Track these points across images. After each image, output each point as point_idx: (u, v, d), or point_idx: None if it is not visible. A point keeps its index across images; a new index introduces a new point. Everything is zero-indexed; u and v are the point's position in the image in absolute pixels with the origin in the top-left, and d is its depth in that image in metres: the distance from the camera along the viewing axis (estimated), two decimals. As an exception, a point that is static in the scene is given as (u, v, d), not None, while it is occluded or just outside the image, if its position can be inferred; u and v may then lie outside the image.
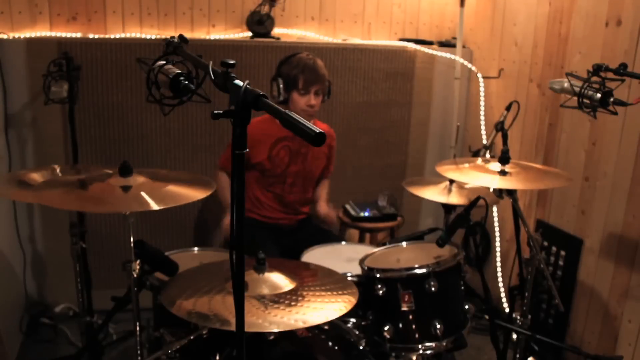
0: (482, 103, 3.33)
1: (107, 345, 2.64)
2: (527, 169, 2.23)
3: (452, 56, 3.36)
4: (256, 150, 2.52)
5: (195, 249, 2.30)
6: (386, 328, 1.90)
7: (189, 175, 2.02)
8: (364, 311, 1.97)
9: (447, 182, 2.46)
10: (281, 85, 2.47)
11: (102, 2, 2.98)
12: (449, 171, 2.19)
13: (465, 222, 1.89)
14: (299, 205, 2.69)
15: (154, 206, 1.66)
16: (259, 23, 3.10)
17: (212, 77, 1.15)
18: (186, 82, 1.31)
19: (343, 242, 2.49)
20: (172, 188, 1.80)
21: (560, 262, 2.70)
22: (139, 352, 1.85)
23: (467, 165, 2.28)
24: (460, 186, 2.45)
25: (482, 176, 2.13)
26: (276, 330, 1.49)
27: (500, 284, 3.15)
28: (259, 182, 2.62)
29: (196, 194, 1.76)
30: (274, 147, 2.56)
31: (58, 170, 2.26)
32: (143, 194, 1.72)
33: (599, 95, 1.79)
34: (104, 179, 1.80)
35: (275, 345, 1.69)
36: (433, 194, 2.43)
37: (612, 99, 1.78)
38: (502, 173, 2.12)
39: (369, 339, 1.92)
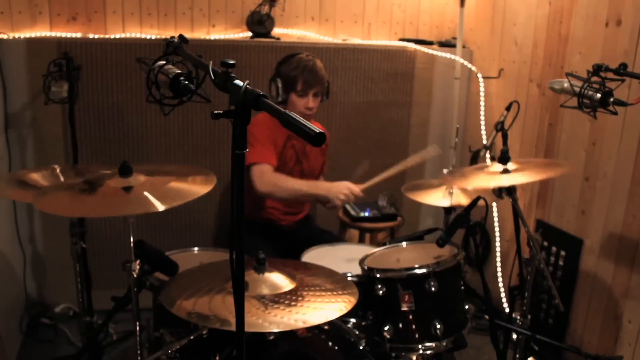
0: (482, 103, 3.33)
1: (107, 345, 2.64)
2: (528, 164, 2.24)
3: (452, 56, 3.36)
4: (273, 146, 2.47)
5: (195, 249, 2.30)
6: (386, 328, 1.90)
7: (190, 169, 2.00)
8: (364, 311, 1.96)
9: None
10: (280, 86, 2.45)
11: (102, 2, 2.98)
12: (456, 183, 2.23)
13: (465, 222, 1.89)
14: (301, 204, 2.69)
15: (159, 207, 1.63)
16: (259, 23, 3.10)
17: (212, 77, 1.15)
18: (186, 82, 1.31)
19: (343, 242, 2.49)
20: (174, 185, 1.78)
21: (560, 262, 2.70)
22: (139, 352, 1.85)
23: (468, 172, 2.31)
24: (461, 188, 2.45)
25: (485, 178, 2.14)
26: (276, 330, 1.49)
27: (500, 284, 3.15)
28: None
29: (199, 189, 1.73)
30: (285, 145, 2.55)
31: (58, 171, 2.26)
32: (146, 194, 1.69)
33: (599, 95, 1.79)
34: (104, 181, 1.79)
35: (275, 345, 1.69)
36: (434, 198, 2.43)
37: (612, 99, 1.78)
38: (505, 172, 2.12)
39: (369, 339, 1.92)
